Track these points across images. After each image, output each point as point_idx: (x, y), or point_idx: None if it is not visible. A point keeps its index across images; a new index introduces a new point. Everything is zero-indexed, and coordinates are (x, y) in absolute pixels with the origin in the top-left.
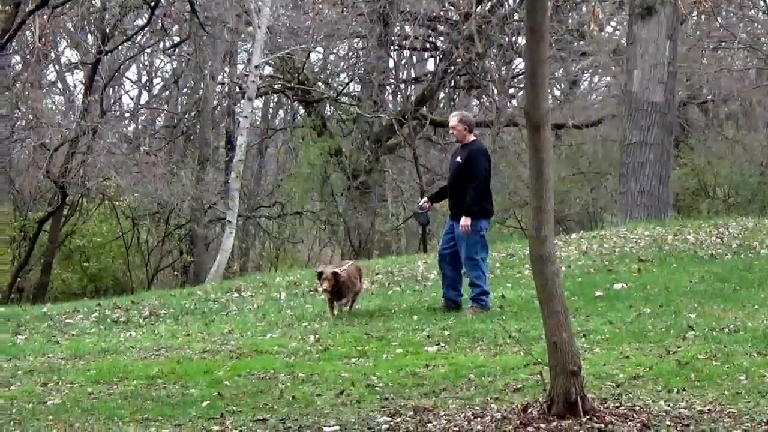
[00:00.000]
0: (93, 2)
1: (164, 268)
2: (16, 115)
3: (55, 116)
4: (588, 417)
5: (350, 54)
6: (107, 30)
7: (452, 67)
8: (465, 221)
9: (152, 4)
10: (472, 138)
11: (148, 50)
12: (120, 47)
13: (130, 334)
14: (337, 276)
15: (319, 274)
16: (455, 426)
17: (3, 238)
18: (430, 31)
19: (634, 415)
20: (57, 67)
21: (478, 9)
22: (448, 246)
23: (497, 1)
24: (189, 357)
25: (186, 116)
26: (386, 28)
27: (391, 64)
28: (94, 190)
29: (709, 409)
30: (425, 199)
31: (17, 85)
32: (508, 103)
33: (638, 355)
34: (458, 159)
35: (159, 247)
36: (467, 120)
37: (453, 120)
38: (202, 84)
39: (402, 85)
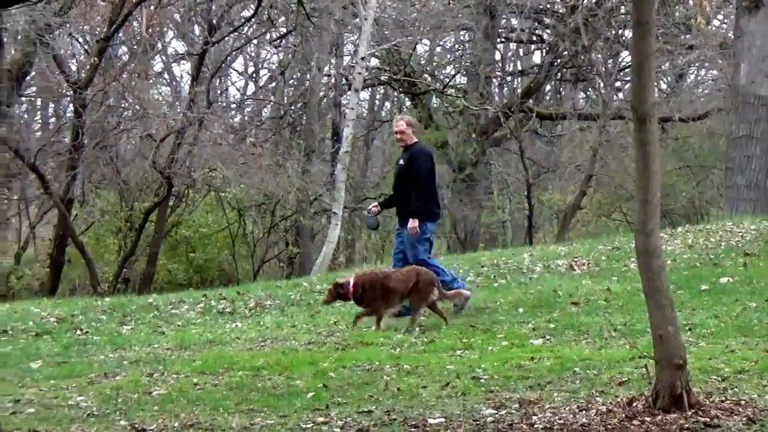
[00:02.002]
0: None
1: (270, 260)
2: (123, 105)
3: (161, 107)
4: (693, 411)
5: (456, 46)
6: (214, 21)
7: (558, 60)
8: (412, 223)
9: None
10: (415, 140)
11: (255, 41)
12: (227, 38)
13: (236, 325)
14: (338, 286)
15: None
16: (560, 419)
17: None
18: (536, 24)
19: (740, 409)
20: (164, 58)
21: (585, 1)
22: (400, 250)
23: None
24: (294, 348)
25: (292, 107)
26: (493, 21)
27: (498, 56)
28: (200, 181)
29: None
30: (375, 203)
31: (124, 75)
32: (615, 96)
33: (744, 350)
34: (401, 162)
35: (265, 239)
36: (414, 123)
37: (401, 124)
38: (308, 75)
39: (508, 78)
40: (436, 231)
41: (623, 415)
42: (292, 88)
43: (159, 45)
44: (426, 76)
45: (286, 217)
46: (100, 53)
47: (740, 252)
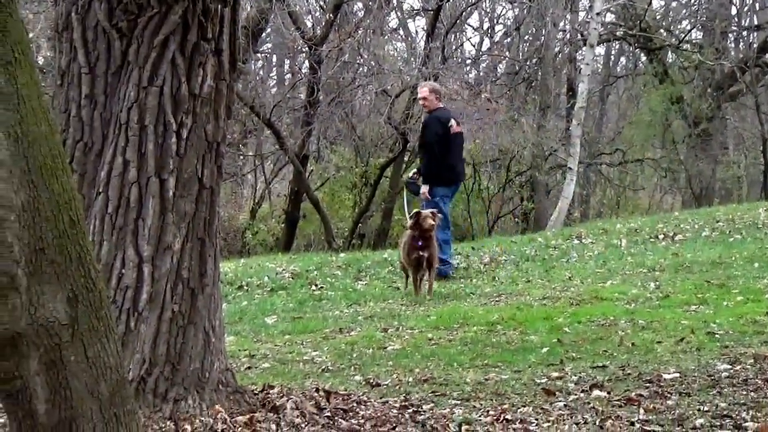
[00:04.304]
0: None
1: (505, 215)
2: (358, 61)
3: (396, 63)
4: None
5: (692, 1)
6: None
7: None
8: (423, 188)
9: None
10: (438, 106)
11: None
12: None
13: (471, 281)
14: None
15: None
16: None
17: None
18: None
19: None
20: (399, 14)
21: None
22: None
23: None
24: (529, 303)
25: (527, 63)
26: None
27: (734, 11)
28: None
29: None
30: (416, 170)
31: (359, 31)
32: None
33: None
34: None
35: (500, 194)
36: (438, 89)
37: (424, 90)
38: (543, 31)
39: (744, 32)
40: (454, 196)
41: None
42: (527, 44)
43: (394, 1)
44: (661, 31)
45: (521, 173)
46: (335, 9)
47: None
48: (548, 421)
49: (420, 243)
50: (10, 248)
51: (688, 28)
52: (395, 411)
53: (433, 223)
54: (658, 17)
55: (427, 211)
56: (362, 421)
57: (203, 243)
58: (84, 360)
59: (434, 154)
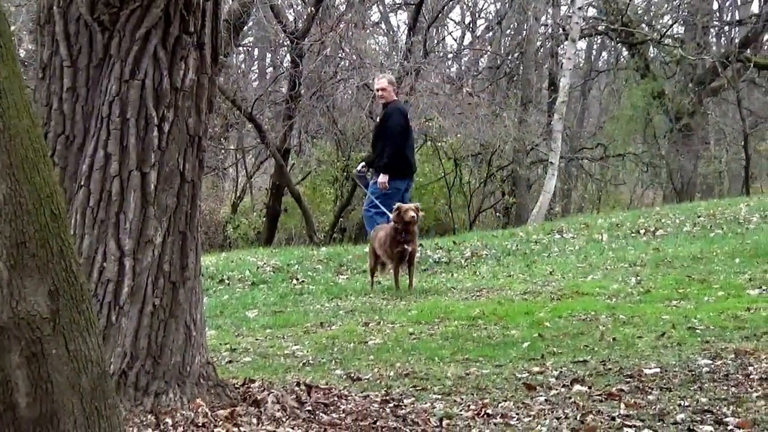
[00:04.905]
0: None
1: (486, 209)
2: (339, 55)
3: (378, 57)
4: None
5: None
6: None
7: None
8: (382, 177)
9: None
10: (394, 98)
11: None
12: None
13: (452, 275)
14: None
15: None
16: None
17: None
18: None
19: None
20: (381, 8)
21: None
22: (371, 205)
23: None
24: (510, 298)
25: (509, 57)
26: None
27: (715, 5)
28: (417, 131)
29: None
30: (363, 163)
31: (341, 25)
32: None
33: None
34: (378, 119)
35: (481, 188)
36: (394, 82)
37: (382, 82)
38: (525, 25)
39: (726, 27)
40: (409, 191)
41: None
42: (509, 38)
43: None
44: (643, 25)
45: (503, 167)
46: (317, 3)
47: None
48: (529, 416)
49: (403, 236)
50: None
51: (670, 22)
52: (376, 405)
53: (414, 215)
54: (639, 12)
55: (409, 205)
56: (343, 415)
57: (184, 237)
58: (65, 353)
59: (396, 145)
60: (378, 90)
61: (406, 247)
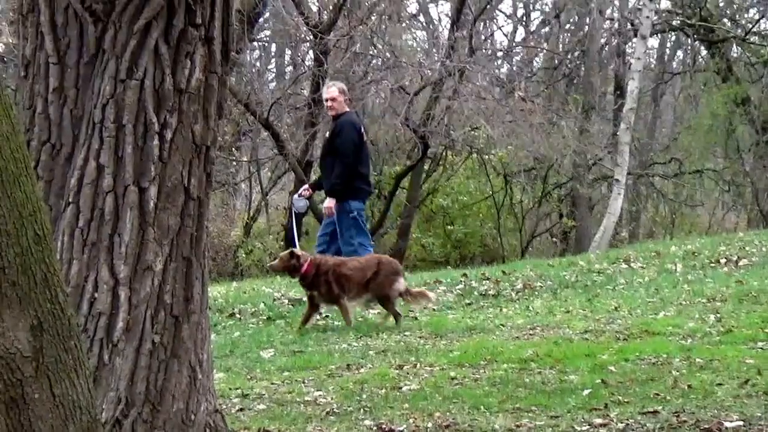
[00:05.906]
0: None
1: (541, 234)
2: (371, 53)
3: (416, 55)
4: None
5: None
6: None
7: None
8: (328, 203)
9: None
10: (346, 109)
11: None
12: None
13: (501, 310)
14: (293, 257)
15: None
16: None
17: None
18: None
19: None
20: None
21: None
22: (326, 232)
23: None
24: (568, 337)
25: (569, 56)
26: None
27: None
28: (461, 142)
29: None
30: (306, 186)
31: (373, 17)
32: None
33: None
34: (327, 134)
35: (535, 209)
36: (346, 91)
37: (332, 91)
38: (587, 19)
39: None
40: (366, 210)
41: None
42: (569, 34)
43: None
44: (725, 21)
45: (561, 185)
46: None
47: None
48: None
49: (302, 281)
50: None
51: (757, 17)
52: None
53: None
54: (721, 4)
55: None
56: None
57: (189, 263)
58: (50, 398)
59: (349, 164)
60: (327, 100)
61: (312, 292)
